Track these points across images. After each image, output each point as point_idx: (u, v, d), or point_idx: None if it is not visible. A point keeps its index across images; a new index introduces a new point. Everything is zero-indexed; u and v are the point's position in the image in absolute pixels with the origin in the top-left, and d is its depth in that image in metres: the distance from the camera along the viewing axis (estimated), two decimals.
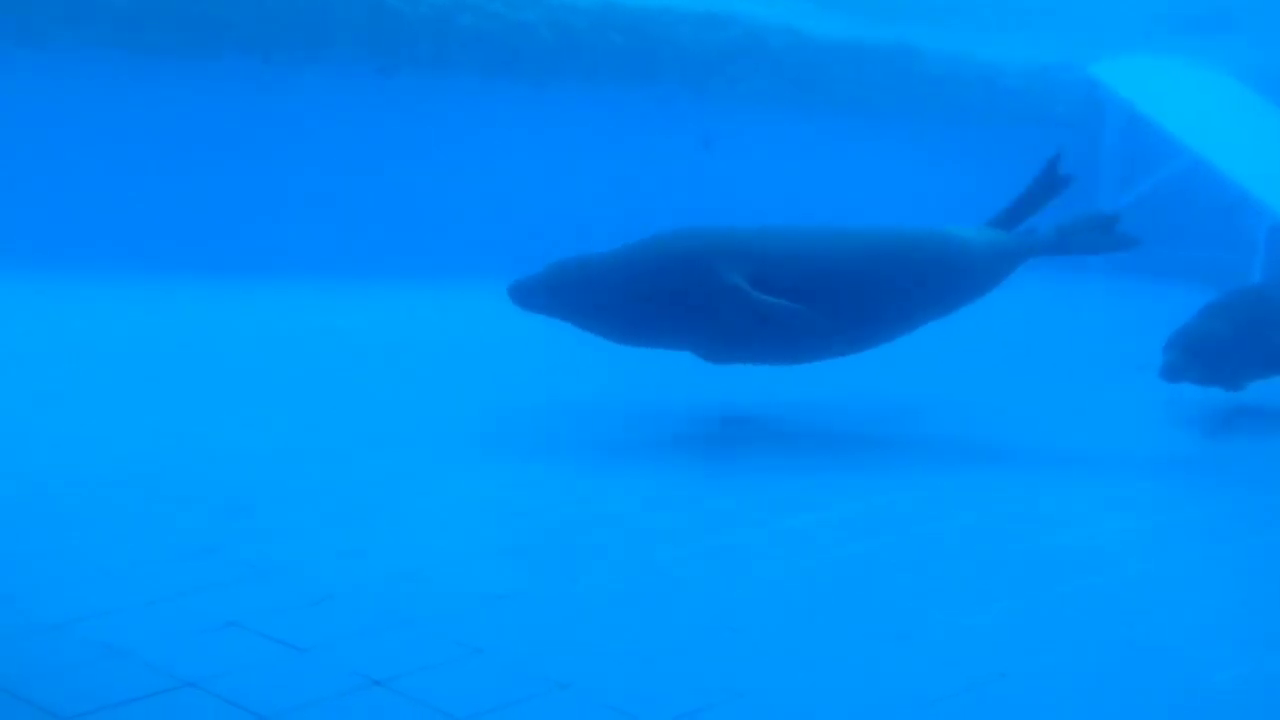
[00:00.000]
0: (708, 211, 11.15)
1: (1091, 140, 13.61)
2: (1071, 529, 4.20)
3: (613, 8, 10.35)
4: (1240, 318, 5.99)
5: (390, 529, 3.89)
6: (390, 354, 6.77)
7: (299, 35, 9.00)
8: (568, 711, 2.66)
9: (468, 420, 5.36)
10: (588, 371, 6.12)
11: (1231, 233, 12.08)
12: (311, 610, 3.17)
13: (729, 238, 5.09)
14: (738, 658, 3.01)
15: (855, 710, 2.73)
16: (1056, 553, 3.91)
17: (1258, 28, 13.77)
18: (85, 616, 3.05)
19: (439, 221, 9.68)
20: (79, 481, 4.19)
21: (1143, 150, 13.19)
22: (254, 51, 8.90)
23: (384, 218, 9.60)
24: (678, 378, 5.81)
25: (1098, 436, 5.72)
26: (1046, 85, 13.29)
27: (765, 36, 11.22)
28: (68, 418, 5.03)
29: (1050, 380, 7.12)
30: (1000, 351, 8.11)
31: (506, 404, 5.70)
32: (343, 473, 4.46)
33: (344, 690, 2.70)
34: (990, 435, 5.64)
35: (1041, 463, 5.13)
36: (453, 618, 3.15)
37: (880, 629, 3.21)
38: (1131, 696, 2.88)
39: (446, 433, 5.11)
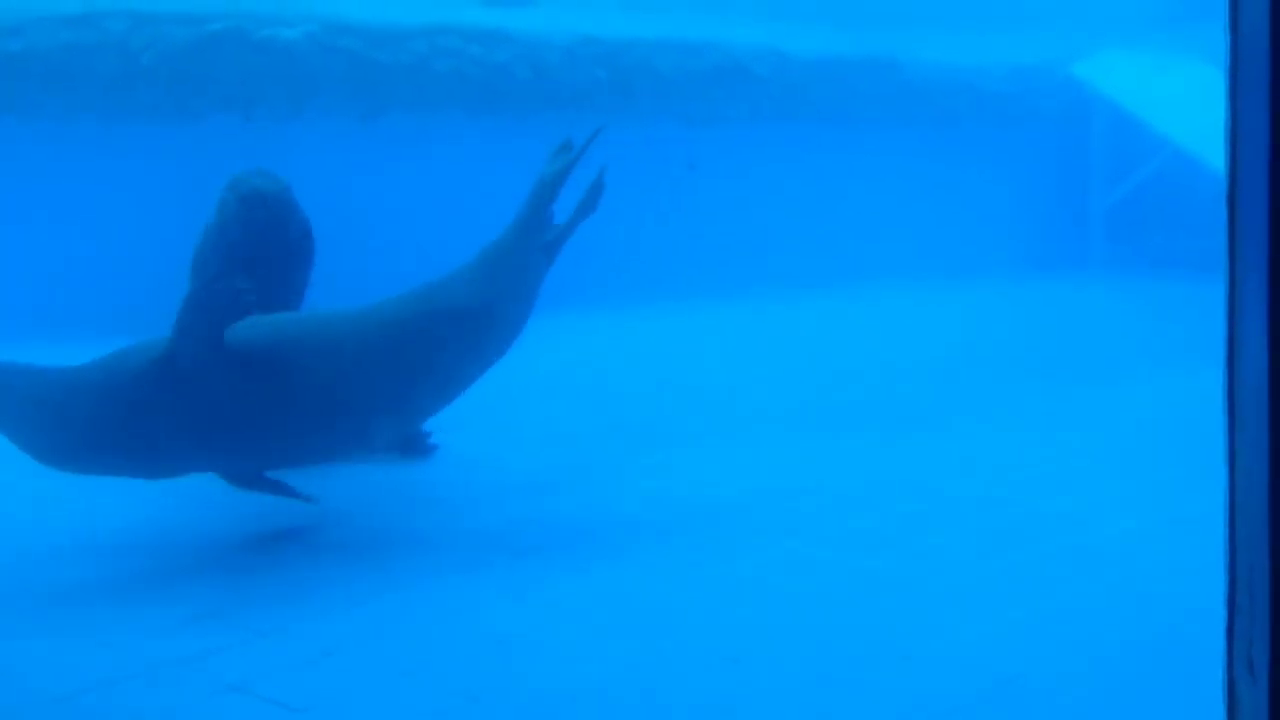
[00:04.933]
0: (692, 233, 11.30)
1: (1079, 138, 13.66)
2: (1091, 528, 4.20)
3: (588, 41, 10.43)
4: None
5: None
6: None
7: (280, 91, 9.07)
8: None
9: None
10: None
11: (1219, 220, 12.08)
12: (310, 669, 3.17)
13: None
14: (744, 680, 3.00)
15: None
16: (1075, 553, 3.91)
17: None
18: (89, 687, 3.06)
19: (429, 262, 9.71)
20: (79, 548, 4.20)
21: (1130, 145, 13.23)
22: (234, 110, 8.96)
23: (371, 262, 9.63)
24: None
25: (1125, 432, 5.72)
26: (1031, 87, 13.36)
27: (746, 60, 11.29)
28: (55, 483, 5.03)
29: (1073, 376, 7.12)
30: (1015, 349, 8.12)
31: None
32: None
33: None
34: (1009, 437, 5.64)
35: (1061, 461, 5.13)
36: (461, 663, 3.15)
37: (892, 640, 3.21)
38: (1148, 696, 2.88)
39: None
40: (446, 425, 5.68)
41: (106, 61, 8.54)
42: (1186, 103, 12.40)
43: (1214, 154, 11.33)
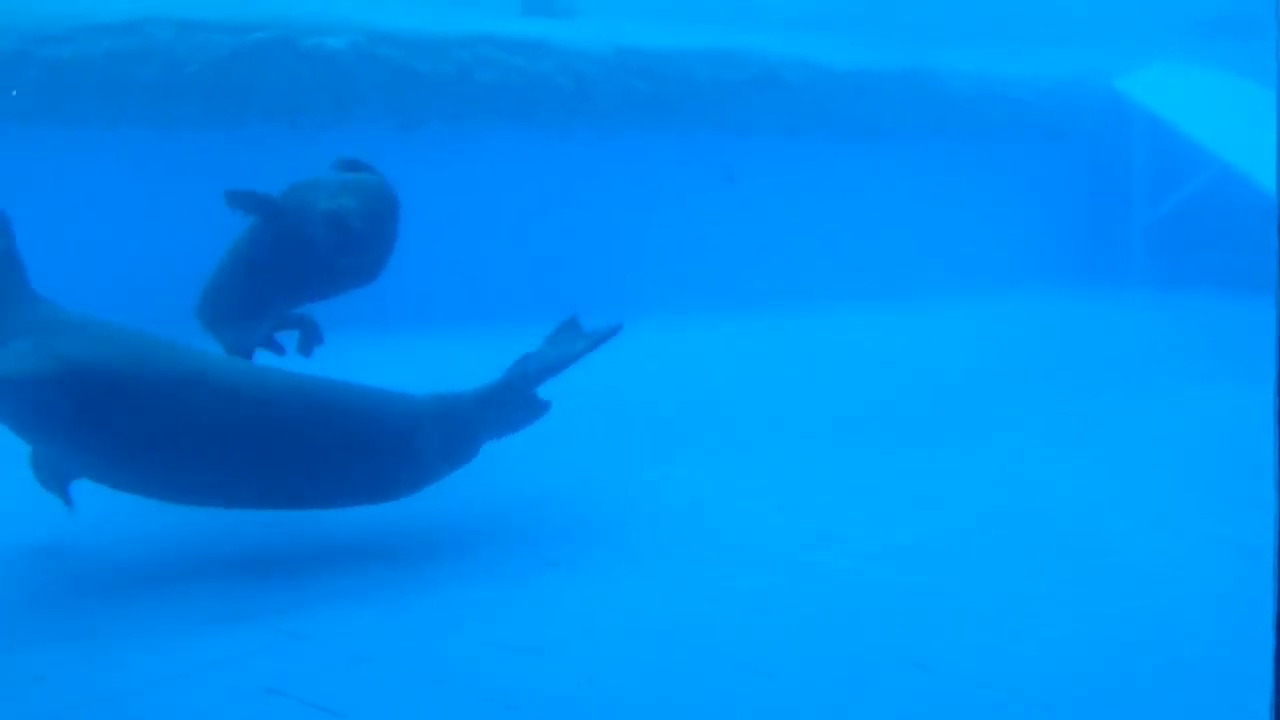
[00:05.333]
0: (731, 245, 11.28)
1: (1120, 153, 13.56)
2: (1128, 547, 4.17)
3: (627, 52, 10.48)
4: None
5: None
6: None
7: (323, 100, 9.16)
8: None
9: None
10: None
11: (1267, 238, 11.95)
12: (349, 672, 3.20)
13: None
14: (774, 691, 3.00)
15: None
16: (1110, 572, 3.88)
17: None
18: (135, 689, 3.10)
19: (467, 270, 9.78)
20: (115, 550, 4.25)
21: (1172, 161, 13.11)
22: (278, 118, 9.05)
23: (409, 270, 9.70)
24: None
25: (1165, 450, 5.67)
26: (1070, 100, 13.28)
27: (781, 71, 11.30)
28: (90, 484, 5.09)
29: (1112, 393, 7.07)
30: (1053, 365, 8.07)
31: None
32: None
33: None
34: (1046, 453, 5.60)
35: (1099, 478, 5.09)
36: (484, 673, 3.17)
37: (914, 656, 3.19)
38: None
39: None
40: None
41: (152, 69, 8.65)
42: (1233, 119, 12.29)
43: (1263, 171, 11.24)
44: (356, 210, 4.39)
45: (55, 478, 4.25)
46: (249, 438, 3.93)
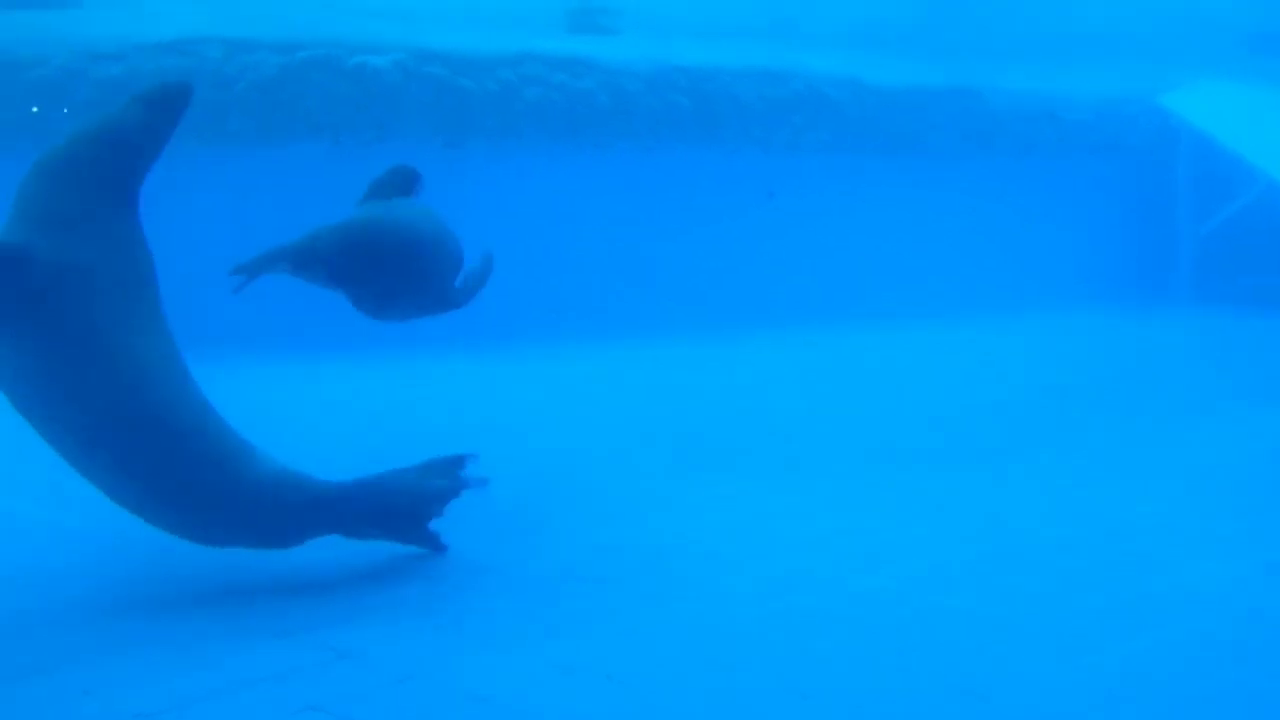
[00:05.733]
0: (773, 262, 11.25)
1: (1166, 170, 13.43)
2: (1176, 572, 4.11)
3: (671, 70, 10.50)
4: None
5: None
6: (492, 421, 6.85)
7: (367, 117, 9.24)
8: None
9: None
10: None
11: None
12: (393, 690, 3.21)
13: None
14: (817, 716, 2.98)
15: None
16: (1159, 598, 3.82)
17: None
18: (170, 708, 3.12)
19: (512, 286, 9.82)
20: (158, 564, 4.29)
21: (1220, 178, 12.97)
22: (323, 135, 9.15)
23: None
24: None
25: (1214, 472, 5.59)
26: (1116, 117, 13.18)
27: (825, 88, 11.29)
28: None
29: (1159, 413, 6.99)
30: (1098, 384, 7.99)
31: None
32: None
33: None
34: (1092, 475, 5.54)
35: (1146, 501, 5.03)
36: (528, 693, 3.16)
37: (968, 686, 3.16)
38: None
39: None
40: (525, 452, 5.74)
41: (201, 87, 8.77)
42: None
43: None
44: (329, 245, 4.28)
45: None
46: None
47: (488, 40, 10.02)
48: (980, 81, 12.47)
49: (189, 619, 3.78)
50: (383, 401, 7.63)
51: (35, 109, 8.64)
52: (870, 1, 13.38)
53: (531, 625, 3.71)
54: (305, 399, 7.65)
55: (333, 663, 3.41)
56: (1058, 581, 4.05)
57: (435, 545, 4.36)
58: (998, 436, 6.44)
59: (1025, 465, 5.77)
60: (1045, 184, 12.85)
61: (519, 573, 4.24)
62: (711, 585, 4.06)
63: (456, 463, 4.37)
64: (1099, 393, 7.83)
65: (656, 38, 11.25)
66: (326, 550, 4.48)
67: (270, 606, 3.89)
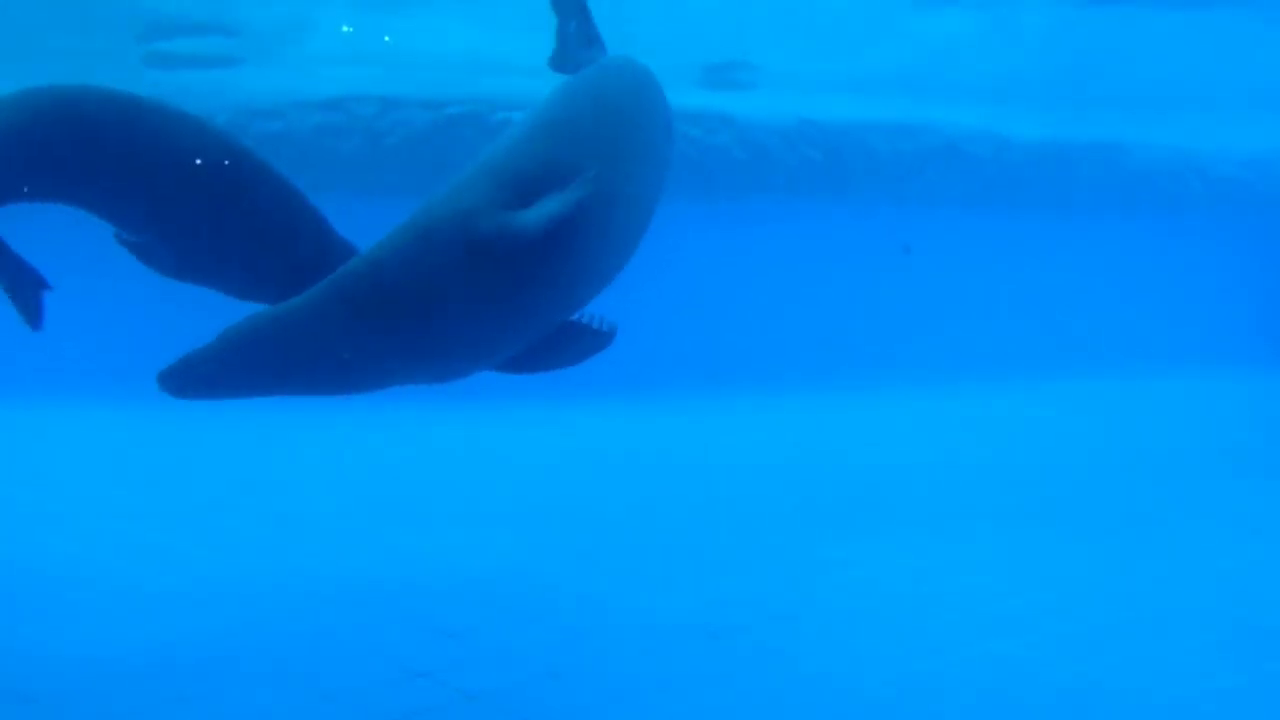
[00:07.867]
0: (910, 317, 11.17)
1: None
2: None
3: (805, 123, 10.58)
4: None
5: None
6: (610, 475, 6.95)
7: None
8: None
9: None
10: None
11: None
12: None
13: None
14: None
15: None
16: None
17: None
18: None
19: (645, 339, 9.95)
20: (292, 602, 4.46)
21: None
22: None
23: None
24: None
25: None
26: (1267, 172, 12.78)
27: (962, 143, 11.23)
28: (288, 539, 5.35)
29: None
30: (1246, 446, 7.75)
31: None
32: (549, 596, 4.61)
33: None
34: (1235, 543, 5.38)
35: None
36: None
37: None
38: None
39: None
40: (652, 501, 5.79)
41: (354, 142, 9.18)
42: None
43: None
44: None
45: None
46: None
47: None
48: (1125, 137, 12.24)
49: (318, 657, 3.90)
50: (530, 452, 7.80)
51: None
52: (1011, 54, 13.26)
53: (657, 673, 3.76)
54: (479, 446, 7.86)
55: (463, 705, 3.52)
56: (1194, 649, 3.95)
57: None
58: (1136, 500, 6.28)
59: (1164, 529, 5.62)
60: (1193, 241, 12.51)
61: (648, 618, 4.28)
62: (837, 642, 4.05)
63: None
64: (1245, 455, 7.58)
65: (792, 92, 11.34)
66: (452, 589, 4.61)
67: (400, 647, 3.98)
